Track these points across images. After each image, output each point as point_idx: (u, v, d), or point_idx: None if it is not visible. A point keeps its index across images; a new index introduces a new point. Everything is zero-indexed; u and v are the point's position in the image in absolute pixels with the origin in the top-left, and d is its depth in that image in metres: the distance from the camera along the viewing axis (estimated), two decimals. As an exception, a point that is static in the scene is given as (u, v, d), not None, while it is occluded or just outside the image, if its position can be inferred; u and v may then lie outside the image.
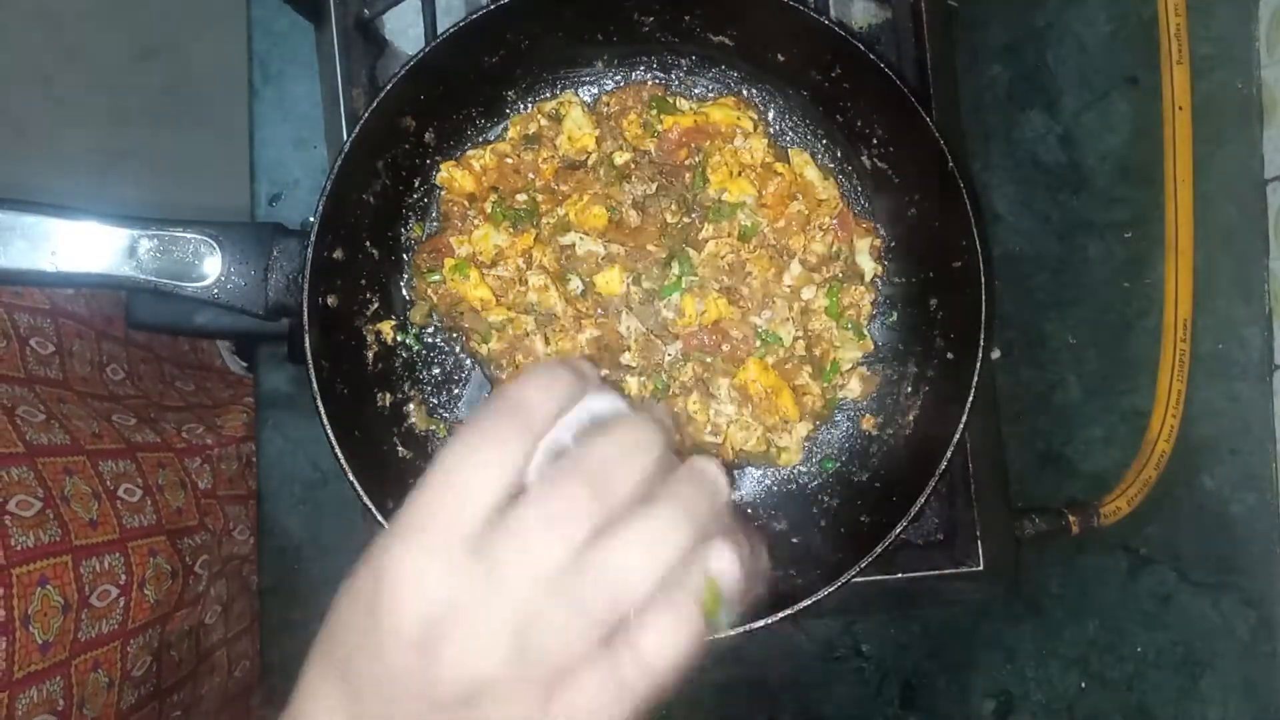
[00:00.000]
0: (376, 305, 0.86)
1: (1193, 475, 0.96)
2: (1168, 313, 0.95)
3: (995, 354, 0.96)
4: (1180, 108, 0.95)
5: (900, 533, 0.74)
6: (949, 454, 0.75)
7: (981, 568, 0.88)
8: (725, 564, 0.44)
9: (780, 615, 0.73)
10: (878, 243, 0.88)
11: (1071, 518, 0.92)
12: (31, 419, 0.90)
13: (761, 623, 0.73)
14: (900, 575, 0.88)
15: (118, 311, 1.11)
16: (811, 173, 0.88)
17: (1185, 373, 0.94)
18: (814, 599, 0.73)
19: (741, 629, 0.73)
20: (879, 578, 0.87)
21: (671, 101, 0.89)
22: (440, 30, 0.84)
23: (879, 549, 0.74)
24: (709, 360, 0.86)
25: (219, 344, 1.42)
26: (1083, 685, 0.96)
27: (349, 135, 0.77)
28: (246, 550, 1.11)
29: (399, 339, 0.88)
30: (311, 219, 0.76)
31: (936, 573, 0.89)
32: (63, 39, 2.01)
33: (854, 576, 0.74)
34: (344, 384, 0.80)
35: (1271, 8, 0.97)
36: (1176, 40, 0.95)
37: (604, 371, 0.86)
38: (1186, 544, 0.96)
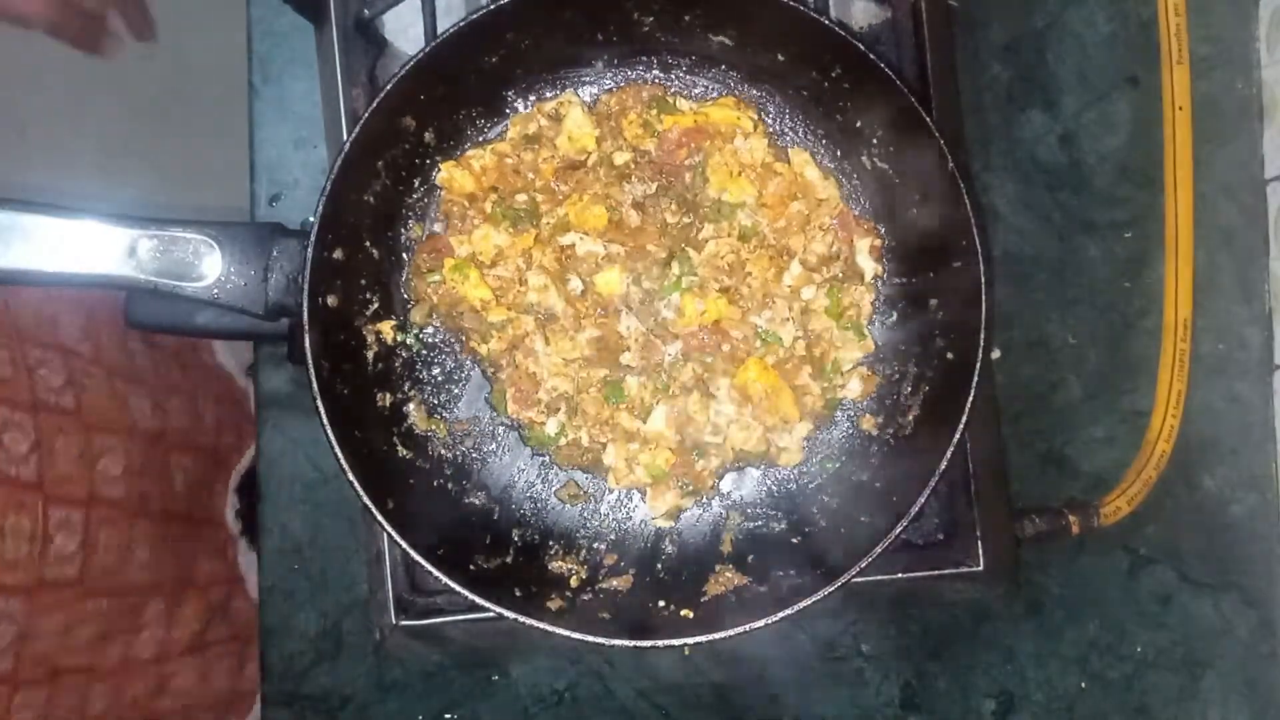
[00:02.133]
0: (376, 305, 0.86)
1: (1193, 475, 0.96)
2: (1168, 313, 0.95)
3: (995, 354, 0.96)
4: (1180, 108, 0.95)
5: (900, 533, 0.74)
6: (949, 454, 0.75)
7: (982, 568, 0.88)
8: None
9: (780, 615, 0.73)
10: (878, 243, 0.88)
11: (1072, 518, 0.92)
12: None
13: (761, 623, 0.73)
14: (900, 575, 0.88)
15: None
16: (811, 173, 0.88)
17: (1185, 373, 0.94)
18: (814, 599, 0.73)
19: (742, 629, 0.73)
20: (879, 578, 0.87)
21: (671, 101, 0.89)
22: (440, 30, 0.84)
23: (879, 549, 0.74)
24: (709, 360, 0.86)
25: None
26: (1083, 685, 0.96)
27: (349, 135, 0.77)
28: None
29: (399, 339, 0.88)
30: (311, 219, 0.76)
31: (937, 573, 0.89)
32: (63, 39, 2.01)
33: (854, 576, 0.74)
34: (344, 384, 0.80)
35: (1271, 8, 0.97)
36: (1176, 40, 0.95)
37: (604, 372, 0.86)
38: (1187, 544, 0.96)
